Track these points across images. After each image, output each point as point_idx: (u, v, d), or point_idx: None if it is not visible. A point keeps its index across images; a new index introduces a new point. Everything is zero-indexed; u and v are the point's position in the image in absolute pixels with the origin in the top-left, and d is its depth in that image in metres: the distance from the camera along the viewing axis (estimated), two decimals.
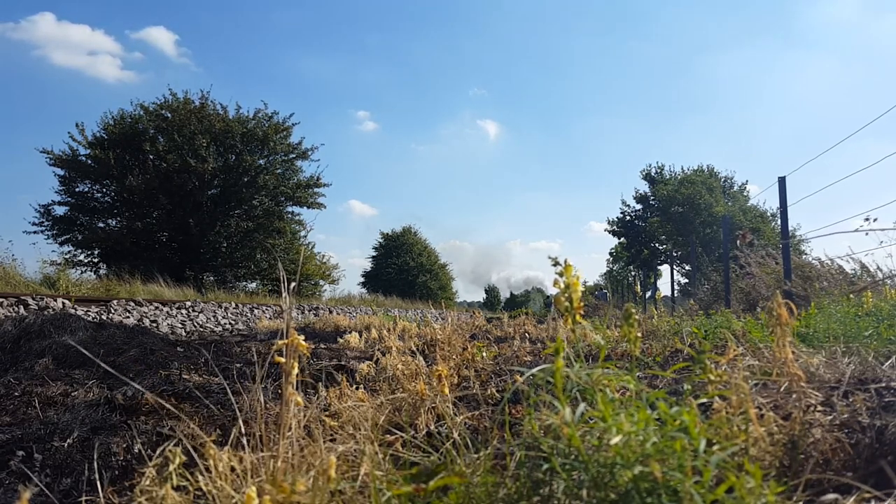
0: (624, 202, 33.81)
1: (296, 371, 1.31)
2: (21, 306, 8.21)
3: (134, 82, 51.48)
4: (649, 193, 32.70)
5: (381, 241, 42.18)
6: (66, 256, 21.06)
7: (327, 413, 1.88)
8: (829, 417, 1.41)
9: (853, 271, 7.46)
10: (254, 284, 24.26)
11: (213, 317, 11.46)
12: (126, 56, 53.29)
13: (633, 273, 36.69)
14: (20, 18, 47.98)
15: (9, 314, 7.25)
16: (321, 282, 26.15)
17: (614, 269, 40.73)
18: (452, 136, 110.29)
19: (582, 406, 1.08)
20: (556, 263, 1.25)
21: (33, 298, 8.56)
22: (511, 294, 65.71)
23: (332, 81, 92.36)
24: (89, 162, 20.99)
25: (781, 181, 6.90)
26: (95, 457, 1.84)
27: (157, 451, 1.18)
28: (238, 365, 4.07)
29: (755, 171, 65.41)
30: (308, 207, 24.96)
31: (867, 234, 5.36)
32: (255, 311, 13.37)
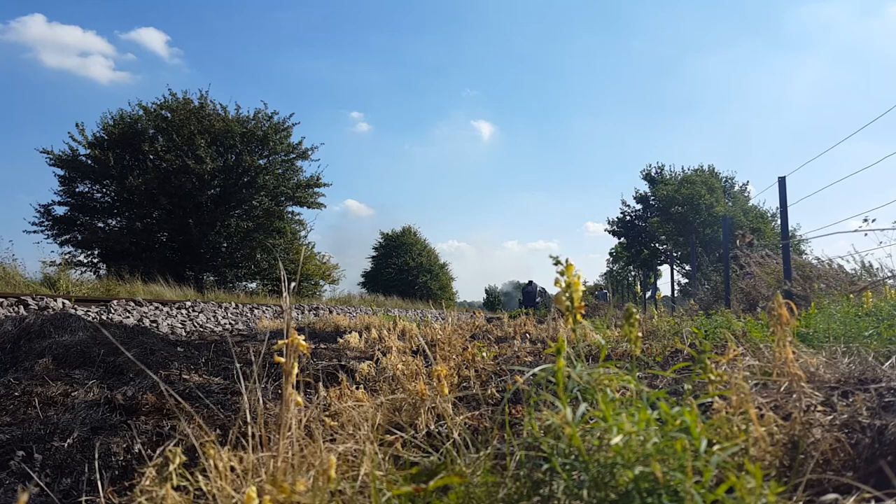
0: (624, 202, 33.86)
1: (296, 371, 1.31)
2: (21, 306, 8.20)
3: (128, 83, 51.57)
4: (649, 193, 32.72)
5: (381, 241, 42.18)
6: (66, 256, 21.09)
7: (327, 413, 1.88)
8: (829, 417, 1.41)
9: (853, 271, 7.46)
10: (254, 284, 24.27)
11: (213, 317, 11.46)
12: (119, 57, 53.36)
13: (633, 273, 36.69)
14: (10, 20, 47.89)
15: (9, 314, 7.25)
16: (321, 282, 26.17)
17: (614, 269, 40.72)
18: (446, 136, 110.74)
19: (583, 406, 1.08)
20: (557, 262, 1.24)
21: (33, 298, 8.55)
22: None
23: (325, 82, 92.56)
24: (89, 162, 21.00)
25: (781, 181, 6.90)
26: (95, 457, 1.84)
27: (157, 451, 1.18)
28: (238, 365, 4.06)
29: (752, 172, 65.59)
30: (308, 207, 24.99)
31: (866, 234, 5.36)
32: (256, 311, 13.37)
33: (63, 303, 8.86)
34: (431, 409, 2.09)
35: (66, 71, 54.95)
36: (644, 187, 33.16)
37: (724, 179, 32.42)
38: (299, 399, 1.30)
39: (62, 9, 64.76)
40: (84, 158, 21.11)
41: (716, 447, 1.08)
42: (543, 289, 25.53)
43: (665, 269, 31.89)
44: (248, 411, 1.30)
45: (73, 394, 2.86)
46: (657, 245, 32.82)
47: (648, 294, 16.56)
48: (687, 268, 28.36)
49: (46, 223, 21.30)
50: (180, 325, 9.93)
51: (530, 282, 25.49)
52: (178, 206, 21.91)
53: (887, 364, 1.95)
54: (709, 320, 4.71)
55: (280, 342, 1.32)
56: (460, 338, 3.80)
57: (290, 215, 24.94)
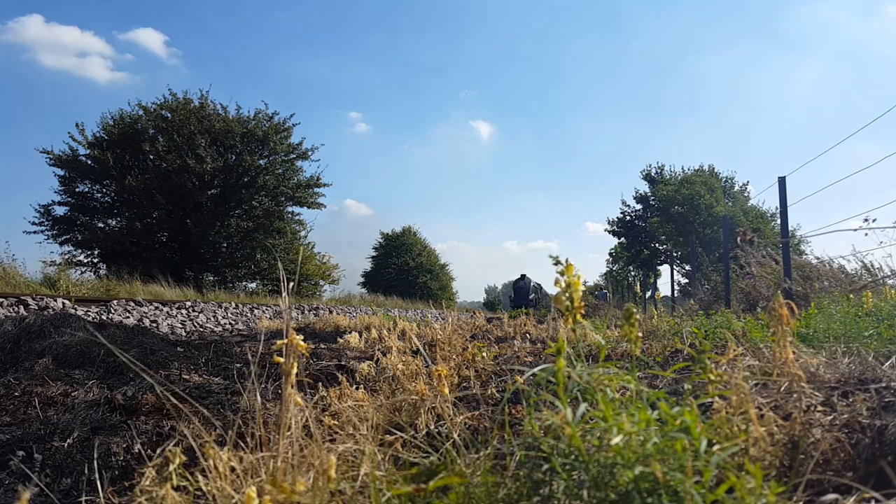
0: (624, 202, 33.86)
1: (295, 371, 1.31)
2: (21, 306, 8.20)
3: (126, 84, 51.78)
4: (649, 193, 32.73)
5: (381, 241, 42.17)
6: (66, 256, 21.10)
7: (327, 413, 1.88)
8: (830, 417, 1.41)
9: (854, 271, 7.46)
10: (254, 284, 24.26)
11: (213, 317, 11.45)
12: (117, 57, 53.63)
13: (633, 273, 36.68)
14: (8, 20, 47.88)
15: (9, 314, 7.25)
16: (321, 282, 26.16)
17: (614, 269, 40.70)
18: (446, 137, 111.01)
19: (583, 406, 1.08)
20: (556, 262, 1.24)
21: (33, 298, 8.55)
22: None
23: (325, 82, 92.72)
24: (89, 162, 21.00)
25: (781, 181, 6.90)
26: (95, 457, 1.84)
27: (157, 451, 1.18)
28: (238, 365, 4.07)
29: (752, 172, 65.70)
30: (308, 207, 25.00)
31: (867, 234, 5.36)
32: (256, 311, 13.36)
33: (63, 303, 8.86)
34: (431, 410, 2.08)
35: (64, 71, 55.10)
36: (644, 187, 33.19)
37: (724, 179, 32.44)
38: (299, 399, 1.30)
39: (60, 9, 64.92)
40: (84, 158, 21.11)
41: (716, 447, 1.08)
42: (539, 284, 23.67)
43: (665, 269, 31.94)
44: (247, 411, 1.30)
45: (73, 394, 2.86)
46: (657, 245, 32.82)
47: (648, 294, 16.54)
48: (687, 268, 28.36)
49: (46, 223, 21.31)
50: (180, 325, 9.93)
51: (523, 276, 22.52)
52: (178, 206, 21.91)
53: (887, 364, 1.95)
54: (709, 320, 4.71)
55: (279, 342, 1.32)
56: (460, 338, 3.80)
57: (290, 215, 24.94)
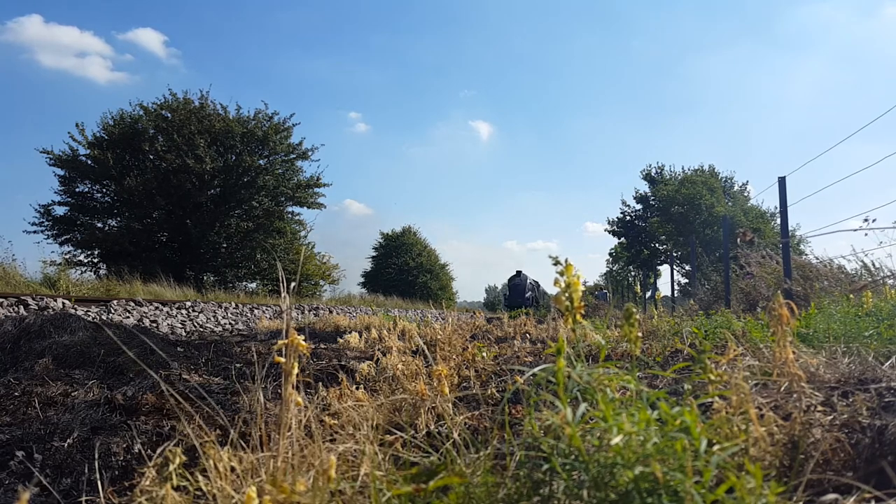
0: (624, 202, 33.89)
1: (296, 371, 1.31)
2: (21, 306, 8.20)
3: (126, 84, 51.90)
4: (649, 193, 32.75)
5: (381, 241, 42.18)
6: (66, 256, 21.09)
7: (327, 413, 1.88)
8: (830, 417, 1.41)
9: (854, 271, 7.46)
10: (254, 284, 24.26)
11: (213, 317, 11.45)
12: (116, 58, 53.81)
13: (633, 273, 36.69)
14: (7, 20, 47.96)
15: (9, 314, 7.25)
16: (321, 282, 26.15)
17: (614, 269, 40.72)
18: (445, 137, 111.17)
19: (583, 406, 1.08)
20: (556, 262, 1.24)
21: (33, 298, 8.55)
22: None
23: (325, 82, 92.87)
24: (89, 162, 21.00)
25: (781, 181, 6.90)
26: (95, 457, 1.84)
27: (157, 451, 1.18)
28: (238, 365, 4.07)
29: (752, 172, 65.77)
30: (308, 207, 24.99)
31: (867, 234, 5.36)
32: (255, 311, 13.36)
33: (63, 303, 8.86)
34: (431, 409, 2.08)
35: (63, 71, 55.20)
36: (644, 187, 33.22)
37: (723, 179, 32.46)
38: (299, 399, 1.30)
39: (59, 9, 65.05)
40: (84, 158, 21.11)
41: (716, 447, 1.08)
42: (536, 282, 22.80)
43: (665, 269, 31.97)
44: (248, 411, 1.30)
45: (73, 394, 2.86)
46: (657, 245, 32.83)
47: (648, 294, 16.53)
48: (687, 268, 28.35)
49: (46, 223, 21.32)
50: (180, 325, 9.93)
51: (519, 272, 21.70)
52: (178, 206, 21.91)
53: (887, 364, 1.95)
54: (709, 320, 4.71)
55: (280, 342, 1.32)
56: (460, 338, 3.80)
57: (290, 215, 24.94)
